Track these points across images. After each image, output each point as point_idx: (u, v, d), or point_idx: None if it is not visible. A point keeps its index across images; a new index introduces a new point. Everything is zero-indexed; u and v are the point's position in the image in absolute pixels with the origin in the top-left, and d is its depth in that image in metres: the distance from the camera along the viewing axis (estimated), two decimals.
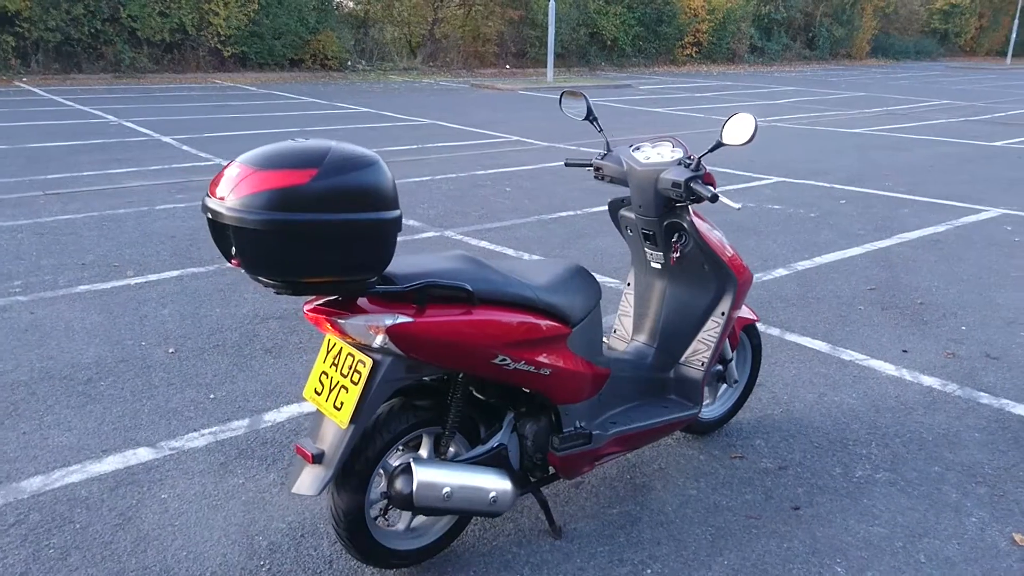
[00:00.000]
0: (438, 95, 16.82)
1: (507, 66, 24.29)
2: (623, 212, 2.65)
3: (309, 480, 1.91)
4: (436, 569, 2.21)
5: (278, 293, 1.81)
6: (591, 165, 2.69)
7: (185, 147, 9.38)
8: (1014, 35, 35.14)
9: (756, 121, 2.28)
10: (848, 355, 3.69)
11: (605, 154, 2.66)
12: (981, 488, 2.63)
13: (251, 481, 2.63)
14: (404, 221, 6.13)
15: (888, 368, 3.56)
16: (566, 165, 2.82)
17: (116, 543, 2.31)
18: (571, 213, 6.49)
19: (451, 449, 2.17)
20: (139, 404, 3.16)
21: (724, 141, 2.35)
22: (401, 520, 2.19)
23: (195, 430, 2.96)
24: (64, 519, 2.41)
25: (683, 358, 2.63)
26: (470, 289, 1.94)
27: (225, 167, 1.77)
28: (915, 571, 2.22)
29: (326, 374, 1.97)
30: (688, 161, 2.41)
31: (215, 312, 4.17)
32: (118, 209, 6.37)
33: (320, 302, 1.91)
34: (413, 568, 2.20)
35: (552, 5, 19.50)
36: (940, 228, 6.14)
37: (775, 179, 8.09)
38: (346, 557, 2.25)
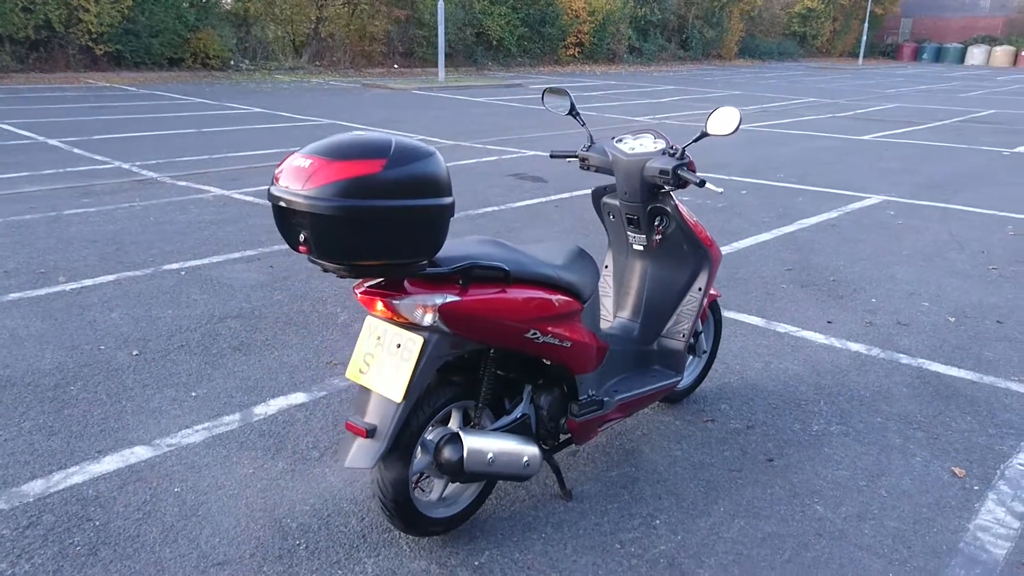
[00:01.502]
0: (331, 95, 16.63)
1: (395, 65, 24.22)
2: (606, 199, 2.88)
3: (362, 454, 2.03)
4: (466, 535, 2.36)
5: (340, 276, 1.93)
6: (576, 156, 2.89)
7: (76, 150, 8.96)
8: (864, 38, 38.07)
9: (740, 114, 2.56)
10: (782, 328, 4.07)
11: (589, 146, 2.88)
12: (918, 433, 3.02)
13: (261, 471, 2.69)
14: None
15: (819, 337, 3.96)
16: (551, 156, 3.02)
17: (143, 536, 2.33)
18: (496, 208, 6.68)
19: (474, 421, 2.33)
20: (119, 405, 3.12)
21: (709, 132, 2.61)
22: (434, 490, 2.32)
23: (187, 427, 2.98)
24: (81, 518, 2.41)
25: (664, 331, 2.89)
26: (507, 269, 2.11)
27: (286, 159, 1.87)
28: (881, 504, 2.56)
29: (371, 354, 2.09)
30: (672, 151, 2.66)
31: (167, 314, 4.11)
32: (23, 215, 6.07)
33: (370, 284, 2.03)
34: (447, 535, 2.34)
35: (441, 5, 19.62)
36: (833, 214, 6.73)
37: None
38: (378, 531, 2.37)
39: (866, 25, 37.97)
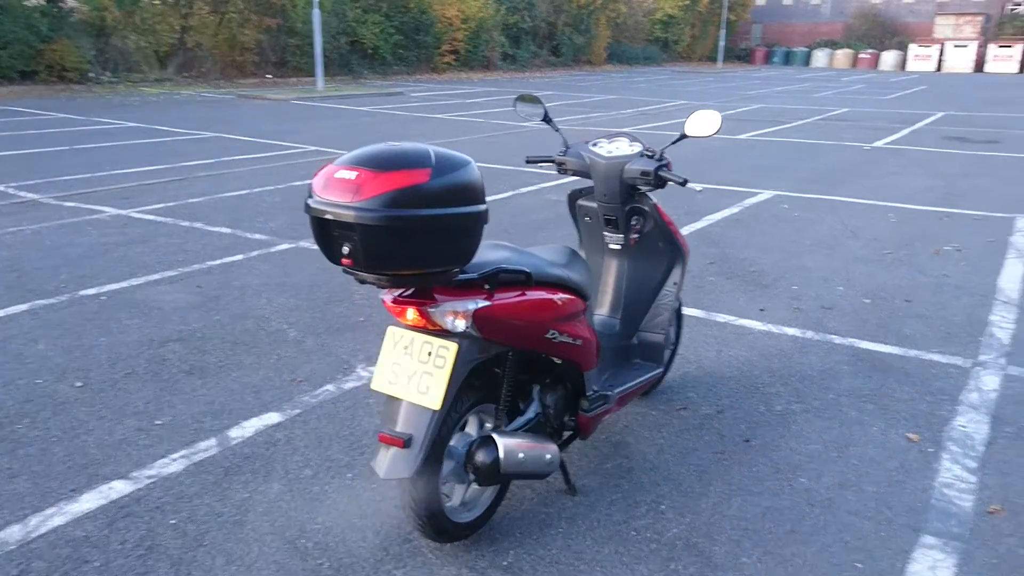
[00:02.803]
0: (207, 107, 15.98)
1: (268, 76, 23.53)
2: (581, 202, 2.97)
3: (400, 463, 2.03)
4: (487, 538, 2.39)
5: (380, 287, 1.92)
6: (552, 161, 2.97)
7: None
8: (722, 43, 40.25)
9: (720, 117, 2.71)
10: (722, 318, 4.31)
11: (565, 150, 2.96)
12: (869, 405, 3.29)
13: (257, 494, 2.61)
14: (251, 235, 6.00)
15: (757, 324, 4.21)
16: (527, 162, 3.08)
17: (153, 572, 2.22)
18: None
19: (488, 424, 2.36)
20: (79, 440, 2.94)
21: (688, 133, 2.75)
22: (456, 496, 2.34)
23: (162, 456, 2.84)
24: (76, 560, 2.26)
25: (643, 325, 3.01)
26: (529, 272, 2.16)
27: (323, 172, 1.85)
28: (856, 470, 2.78)
29: (399, 364, 2.09)
30: (650, 153, 2.78)
31: (101, 342, 3.89)
32: None
33: (399, 294, 2.03)
34: (468, 541, 2.36)
35: (317, 13, 19.26)
36: (735, 209, 7.13)
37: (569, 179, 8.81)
38: (397, 542, 2.36)
39: (723, 31, 40.17)
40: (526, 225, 6.48)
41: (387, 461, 2.05)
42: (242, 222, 6.44)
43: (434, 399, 2.01)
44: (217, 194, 7.54)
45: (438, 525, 2.20)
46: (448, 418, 2.12)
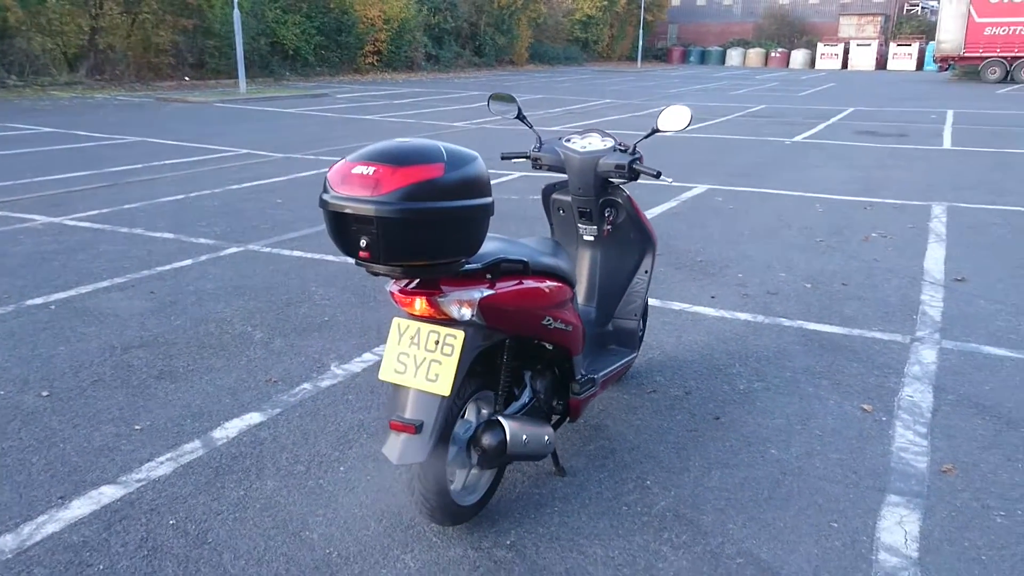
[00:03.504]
0: (126, 111, 15.48)
1: (186, 78, 22.88)
2: (556, 196, 3.08)
3: (413, 449, 2.10)
4: (487, 520, 2.48)
5: (395, 278, 1.99)
6: (527, 157, 3.07)
7: None
8: (640, 43, 41.14)
9: (691, 112, 2.86)
10: (677, 306, 4.50)
11: (539, 146, 3.07)
12: (823, 381, 3.51)
13: (253, 492, 2.63)
14: (196, 240, 5.91)
15: (710, 311, 4.42)
16: (502, 159, 3.17)
17: (160, 571, 2.23)
18: None
19: (485, 411, 2.45)
20: (57, 448, 2.89)
21: (660, 128, 2.90)
22: (457, 479, 2.42)
23: (148, 460, 2.82)
24: (79, 564, 2.25)
25: (617, 312, 3.15)
26: (527, 261, 2.26)
27: (338, 168, 1.91)
28: (820, 440, 2.98)
29: (406, 354, 2.16)
30: (623, 147, 2.92)
31: (60, 351, 3.80)
32: None
33: (405, 284, 2.10)
34: (469, 524, 2.44)
35: (237, 14, 18.85)
36: (673, 203, 7.38)
37: (518, 174, 8.95)
38: (401, 528, 2.42)
39: (641, 31, 41.07)
40: None
41: (399, 447, 2.11)
42: (185, 227, 6.32)
43: (444, 386, 2.09)
44: (153, 200, 7.37)
45: (445, 508, 2.27)
46: (454, 404, 2.20)
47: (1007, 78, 27.50)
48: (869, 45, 39.65)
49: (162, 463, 2.81)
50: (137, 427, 3.06)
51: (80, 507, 2.53)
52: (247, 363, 3.68)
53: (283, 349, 3.85)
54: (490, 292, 2.14)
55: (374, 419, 3.14)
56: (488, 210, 2.03)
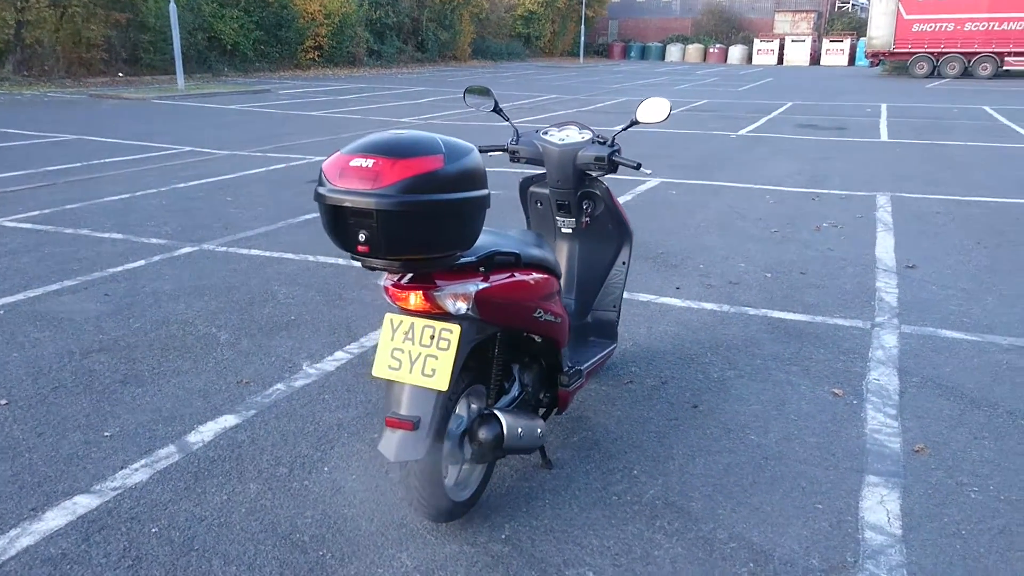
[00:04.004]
0: (58, 108, 14.94)
1: (120, 74, 22.17)
2: (533, 189, 3.08)
3: (410, 445, 2.07)
4: (479, 516, 2.46)
5: (392, 273, 1.96)
6: (505, 149, 3.06)
7: None
8: (583, 38, 41.41)
9: (670, 104, 2.89)
10: (644, 297, 4.54)
11: (517, 139, 3.06)
12: (793, 367, 3.59)
13: (236, 496, 2.57)
14: (147, 240, 5.74)
15: (676, 302, 4.47)
16: (480, 151, 3.13)
17: None
18: (316, 215, 6.55)
19: (475, 405, 2.43)
20: (22, 459, 2.77)
21: (640, 120, 2.91)
22: (450, 475, 2.40)
23: (122, 467, 2.73)
24: None
25: (596, 304, 3.16)
26: (519, 253, 2.25)
27: (334, 161, 1.87)
28: (796, 424, 3.05)
29: (400, 349, 2.12)
30: (601, 139, 2.93)
31: (14, 357, 3.65)
32: None
33: (397, 279, 2.07)
34: (461, 520, 2.43)
35: (173, 8, 18.33)
36: (628, 197, 7.45)
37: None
38: (393, 527, 2.39)
39: (582, 27, 41.33)
40: None
41: (396, 444, 2.08)
42: (133, 227, 6.13)
43: (441, 381, 2.07)
44: (96, 199, 7.13)
45: (441, 505, 2.25)
46: (449, 400, 2.18)
47: (934, 73, 28.53)
48: (803, 41, 40.67)
49: (137, 470, 2.71)
50: (106, 434, 2.96)
51: (55, 518, 2.43)
52: (215, 365, 3.58)
53: (251, 350, 3.76)
54: (485, 285, 2.12)
55: (353, 418, 3.09)
56: (485, 202, 2.02)
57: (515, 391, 2.51)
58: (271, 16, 25.56)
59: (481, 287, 2.11)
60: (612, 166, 2.89)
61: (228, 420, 3.07)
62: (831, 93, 21.58)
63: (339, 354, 3.71)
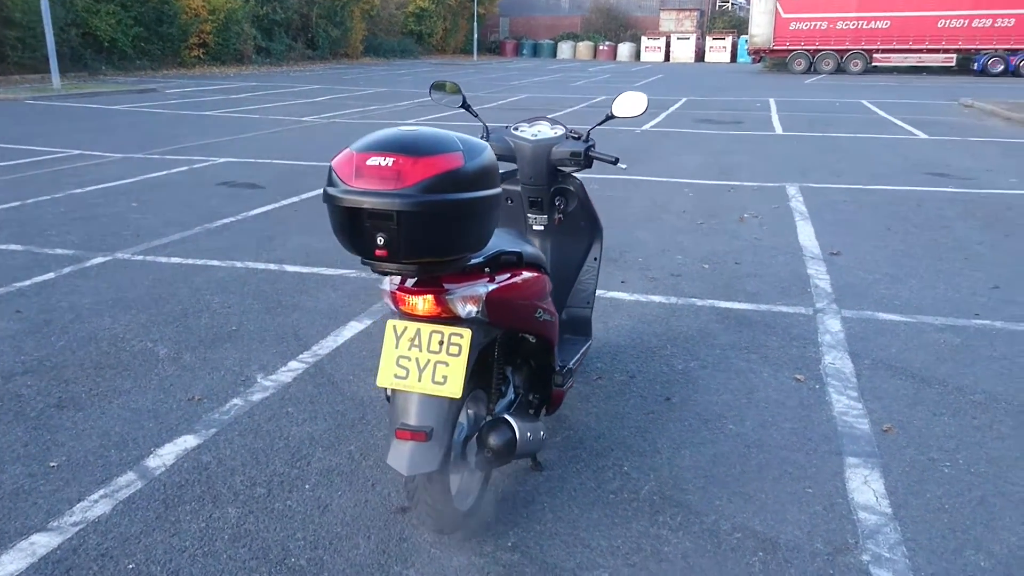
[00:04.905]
0: None
1: None
2: (504, 186, 3.00)
3: (424, 457, 1.97)
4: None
5: (407, 277, 1.85)
6: None
7: None
8: (475, 36, 41.38)
9: (647, 98, 2.87)
10: None
11: (487, 135, 2.97)
12: (752, 355, 3.67)
13: (215, 522, 2.39)
14: (51, 251, 5.32)
15: (625, 296, 4.50)
16: None
17: None
18: (234, 219, 6.24)
19: (472, 411, 2.35)
20: None
21: (616, 114, 2.89)
22: (452, 484, 2.30)
23: (79, 500, 2.50)
24: None
25: (569, 301, 3.12)
26: (521, 252, 2.18)
27: (347, 159, 1.75)
28: (768, 411, 3.11)
29: (406, 357, 2.02)
30: (575, 135, 2.89)
31: None
32: None
33: (403, 283, 1.97)
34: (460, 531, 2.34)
35: (45, 3, 17.12)
36: None
37: None
38: (394, 542, 2.29)
39: (475, 24, 41.31)
40: None
41: (408, 456, 1.98)
42: (32, 237, 5.68)
43: (454, 388, 1.98)
44: None
45: (451, 516, 2.16)
46: (459, 407, 2.10)
47: (811, 68, 30.08)
48: (688, 39, 42.04)
49: (97, 501, 2.49)
50: (52, 464, 2.70)
51: (12, 562, 2.20)
52: (159, 382, 3.34)
53: (196, 364, 3.53)
54: (494, 286, 2.05)
55: (324, 431, 2.94)
56: (499, 200, 1.94)
57: (511, 394, 2.45)
58: (151, 11, 24.29)
59: (491, 288, 2.03)
60: (588, 161, 2.86)
61: (188, 441, 2.86)
62: (720, 88, 22.39)
63: (293, 364, 3.53)
